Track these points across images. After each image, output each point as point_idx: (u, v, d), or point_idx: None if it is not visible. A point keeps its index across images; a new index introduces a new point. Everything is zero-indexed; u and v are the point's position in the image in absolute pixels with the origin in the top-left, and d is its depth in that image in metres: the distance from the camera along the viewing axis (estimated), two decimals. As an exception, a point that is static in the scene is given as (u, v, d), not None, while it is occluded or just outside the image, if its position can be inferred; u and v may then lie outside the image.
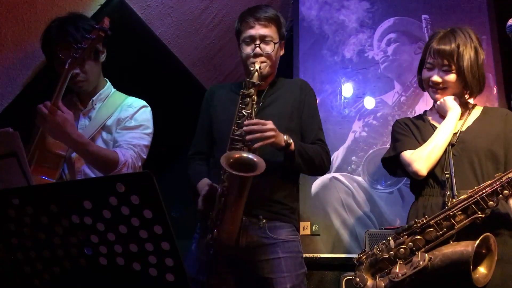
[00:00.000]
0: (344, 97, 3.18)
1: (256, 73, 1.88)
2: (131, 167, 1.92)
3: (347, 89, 3.18)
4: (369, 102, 3.13)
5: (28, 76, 2.35)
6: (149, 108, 2.09)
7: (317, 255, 2.81)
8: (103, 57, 2.05)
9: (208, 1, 3.06)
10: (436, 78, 1.95)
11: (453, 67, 1.92)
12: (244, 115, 1.83)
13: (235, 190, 1.70)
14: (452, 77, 1.93)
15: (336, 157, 3.06)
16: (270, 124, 1.78)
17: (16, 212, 1.13)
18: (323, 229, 2.95)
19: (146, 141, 2.03)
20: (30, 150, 1.86)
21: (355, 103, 3.15)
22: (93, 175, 1.94)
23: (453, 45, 1.92)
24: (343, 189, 3.00)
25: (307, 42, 3.28)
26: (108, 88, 2.10)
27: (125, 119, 2.01)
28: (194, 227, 2.02)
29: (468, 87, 1.95)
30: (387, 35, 3.21)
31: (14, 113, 2.32)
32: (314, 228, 2.92)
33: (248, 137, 1.77)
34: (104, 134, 2.00)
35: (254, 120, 1.80)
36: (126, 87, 2.16)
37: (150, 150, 2.08)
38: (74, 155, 1.94)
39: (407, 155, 1.92)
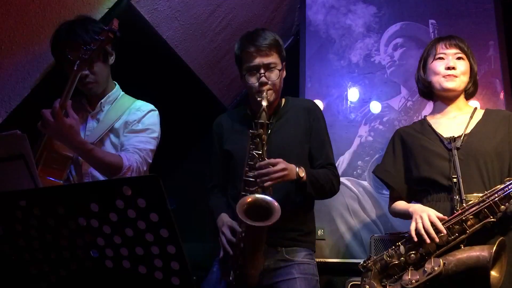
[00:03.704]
0: (350, 101, 3.17)
1: (264, 112, 1.88)
2: (135, 172, 1.92)
3: (353, 94, 3.17)
4: (375, 107, 3.12)
5: (37, 78, 2.37)
6: (157, 112, 2.10)
7: (322, 259, 2.80)
8: (112, 59, 2.05)
9: (215, 5, 3.07)
10: (452, 63, 1.98)
11: (466, 58, 2.00)
12: (255, 156, 1.84)
13: (253, 238, 1.74)
14: (464, 65, 1.99)
15: (342, 161, 3.05)
16: (280, 164, 1.80)
17: (23, 214, 1.14)
18: (329, 233, 2.94)
19: (152, 145, 2.04)
20: (37, 151, 1.87)
21: (361, 107, 3.14)
22: (100, 178, 1.94)
23: (464, 43, 2.02)
24: (348, 194, 2.99)
25: (313, 46, 3.27)
26: (117, 90, 2.11)
27: (133, 122, 2.02)
28: (200, 230, 2.04)
29: (471, 86, 2.03)
30: (393, 40, 3.20)
31: (22, 115, 2.33)
32: (319, 232, 2.91)
33: (263, 184, 1.78)
34: (112, 137, 2.01)
35: (265, 162, 1.81)
36: (133, 90, 2.16)
37: (157, 151, 2.09)
38: (81, 157, 1.95)
39: (390, 192, 2.12)
